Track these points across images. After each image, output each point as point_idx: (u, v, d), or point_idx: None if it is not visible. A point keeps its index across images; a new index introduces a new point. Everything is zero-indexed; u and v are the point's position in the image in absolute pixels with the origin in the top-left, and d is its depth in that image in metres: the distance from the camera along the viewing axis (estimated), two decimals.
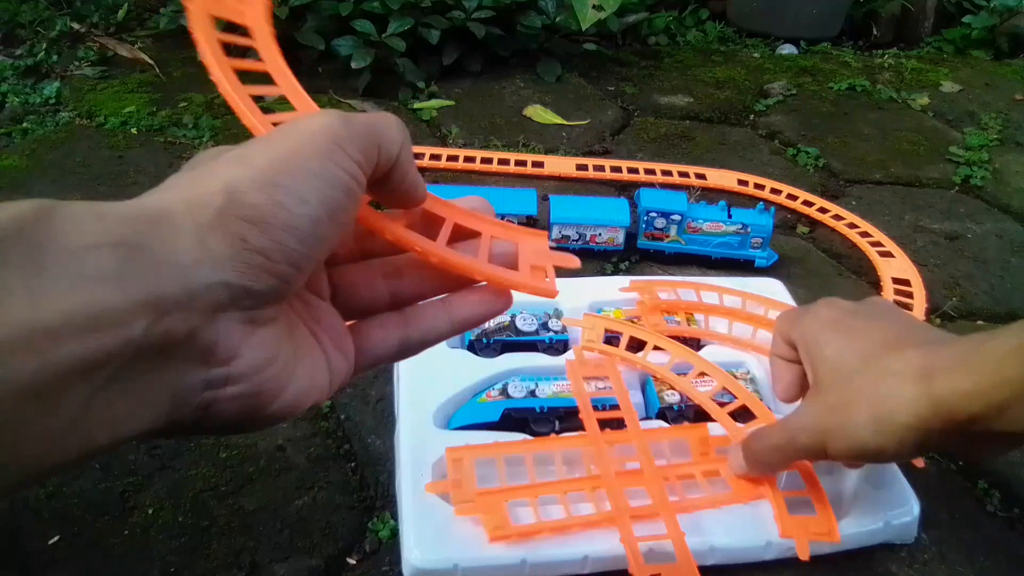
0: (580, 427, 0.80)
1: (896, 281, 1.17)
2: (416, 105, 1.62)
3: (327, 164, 0.27)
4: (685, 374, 0.87)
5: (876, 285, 1.18)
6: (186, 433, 0.27)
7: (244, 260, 0.25)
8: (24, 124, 1.50)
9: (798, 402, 0.70)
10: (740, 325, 0.95)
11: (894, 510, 0.75)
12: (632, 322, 0.95)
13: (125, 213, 0.24)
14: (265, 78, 0.36)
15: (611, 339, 0.94)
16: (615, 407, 0.82)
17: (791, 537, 0.71)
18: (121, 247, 0.22)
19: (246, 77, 0.36)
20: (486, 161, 1.42)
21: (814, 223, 1.34)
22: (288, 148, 0.27)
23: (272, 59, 0.37)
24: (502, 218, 0.35)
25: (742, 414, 0.84)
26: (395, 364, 0.90)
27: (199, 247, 0.24)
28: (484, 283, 0.34)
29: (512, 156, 1.44)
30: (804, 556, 0.69)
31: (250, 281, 0.25)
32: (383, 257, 0.34)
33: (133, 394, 0.23)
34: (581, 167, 1.42)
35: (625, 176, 1.42)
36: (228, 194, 0.25)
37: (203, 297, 0.24)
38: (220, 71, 0.35)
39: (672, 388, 0.85)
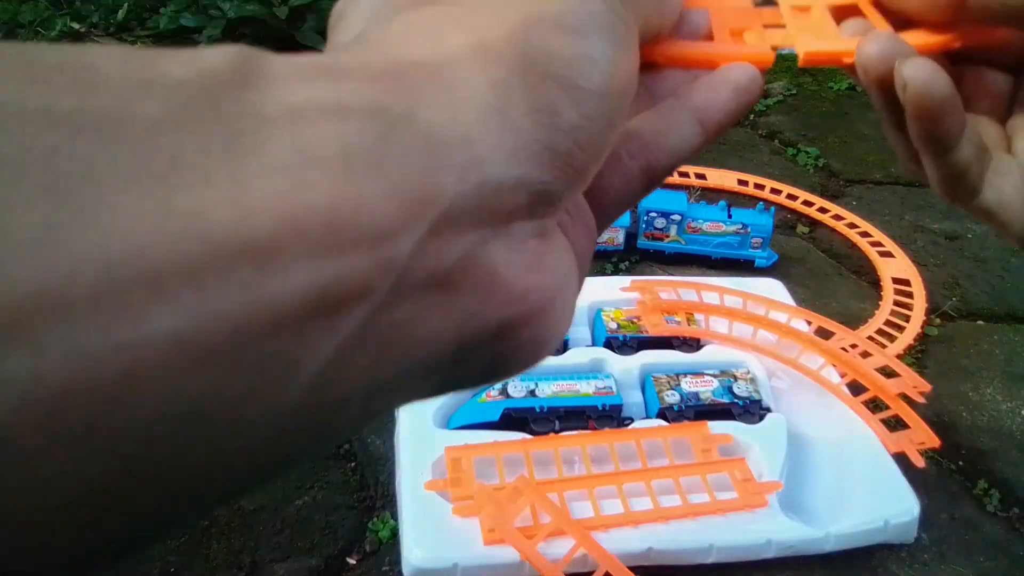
0: (580, 427, 0.80)
1: (896, 281, 1.17)
2: None
3: (615, 20, 0.18)
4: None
5: (876, 285, 1.18)
6: (451, 391, 0.18)
7: (552, 144, 0.16)
8: None
9: None
10: (740, 325, 0.95)
11: (894, 510, 0.75)
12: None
13: (377, 64, 0.15)
14: None
15: (610, 340, 0.94)
16: (616, 406, 0.82)
17: (901, 451, 0.75)
18: (377, 115, 0.14)
19: None
20: None
21: (814, 223, 1.34)
22: None
23: None
24: None
25: (745, 414, 0.84)
26: None
27: (495, 119, 0.15)
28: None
29: None
30: (920, 463, 0.74)
31: (553, 178, 0.16)
32: None
33: (392, 357, 0.15)
34: None
35: None
36: (528, 36, 0.16)
37: (496, 201, 0.15)
38: None
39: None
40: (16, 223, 0.10)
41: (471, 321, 0.16)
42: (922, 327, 1.08)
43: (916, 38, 0.24)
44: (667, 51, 0.24)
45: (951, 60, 0.25)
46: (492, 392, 0.83)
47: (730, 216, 1.18)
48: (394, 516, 0.77)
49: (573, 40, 0.17)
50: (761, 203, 1.26)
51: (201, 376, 0.11)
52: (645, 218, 1.18)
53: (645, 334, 0.94)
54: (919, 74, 0.21)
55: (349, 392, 0.14)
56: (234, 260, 0.12)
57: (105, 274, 0.11)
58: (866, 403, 0.85)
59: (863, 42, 0.23)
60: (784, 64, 1.99)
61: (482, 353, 0.17)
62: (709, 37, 0.25)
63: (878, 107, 0.24)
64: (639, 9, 0.20)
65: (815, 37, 0.24)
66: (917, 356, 1.05)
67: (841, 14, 0.25)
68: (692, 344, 0.95)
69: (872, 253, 1.24)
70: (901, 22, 0.24)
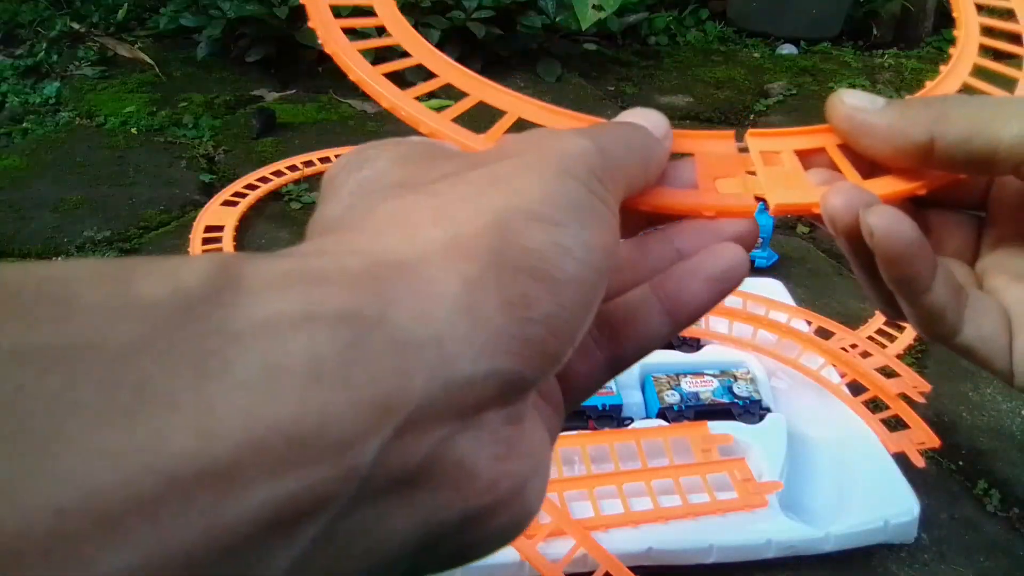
0: (580, 427, 0.80)
1: None
2: None
3: (595, 201, 0.19)
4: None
5: None
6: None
7: (523, 335, 0.16)
8: (24, 124, 1.50)
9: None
10: (740, 325, 0.95)
11: (894, 510, 0.75)
12: None
13: (348, 268, 0.15)
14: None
15: None
16: (616, 406, 0.82)
17: (901, 451, 0.76)
18: (348, 321, 0.14)
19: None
20: None
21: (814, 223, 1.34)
22: (547, 171, 0.19)
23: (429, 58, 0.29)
24: None
25: (745, 414, 0.84)
26: None
27: (465, 316, 0.16)
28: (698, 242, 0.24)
29: None
30: (920, 463, 0.75)
31: (525, 366, 0.16)
32: None
33: (353, 558, 0.14)
34: None
35: None
36: (502, 230, 0.17)
37: (466, 395, 0.15)
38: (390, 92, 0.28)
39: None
40: None
41: (436, 516, 0.16)
42: None
43: (883, 186, 0.24)
44: (652, 201, 0.24)
45: (917, 204, 0.25)
46: None
47: None
48: None
49: (547, 231, 0.17)
50: (761, 203, 1.26)
51: None
52: None
53: None
54: (883, 221, 0.22)
55: None
56: (192, 489, 0.12)
57: (58, 523, 0.11)
58: (866, 403, 0.85)
59: (827, 194, 0.23)
60: (784, 64, 1.99)
61: (447, 544, 0.16)
62: (695, 185, 0.25)
63: (848, 255, 0.25)
64: (620, 180, 0.21)
65: (785, 187, 0.25)
66: (917, 356, 1.05)
67: (809, 157, 0.26)
68: (692, 344, 0.95)
69: None
70: (868, 166, 0.25)
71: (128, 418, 0.12)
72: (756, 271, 1.18)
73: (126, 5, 1.95)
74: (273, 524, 0.12)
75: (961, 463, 0.89)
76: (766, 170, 0.25)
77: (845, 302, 1.15)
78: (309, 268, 0.15)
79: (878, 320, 1.08)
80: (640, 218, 0.24)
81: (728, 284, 0.23)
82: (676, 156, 0.25)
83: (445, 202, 0.17)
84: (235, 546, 0.12)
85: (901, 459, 0.78)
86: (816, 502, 0.77)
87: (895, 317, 0.26)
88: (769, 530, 0.71)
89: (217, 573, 0.12)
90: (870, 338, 1.01)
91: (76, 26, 1.87)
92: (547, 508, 0.69)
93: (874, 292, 0.26)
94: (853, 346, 0.94)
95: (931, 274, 0.23)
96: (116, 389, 0.12)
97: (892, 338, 1.05)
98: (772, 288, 1.04)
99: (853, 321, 1.08)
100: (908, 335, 1.05)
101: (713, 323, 0.97)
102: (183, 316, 0.13)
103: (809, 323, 0.98)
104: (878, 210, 0.22)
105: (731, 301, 0.98)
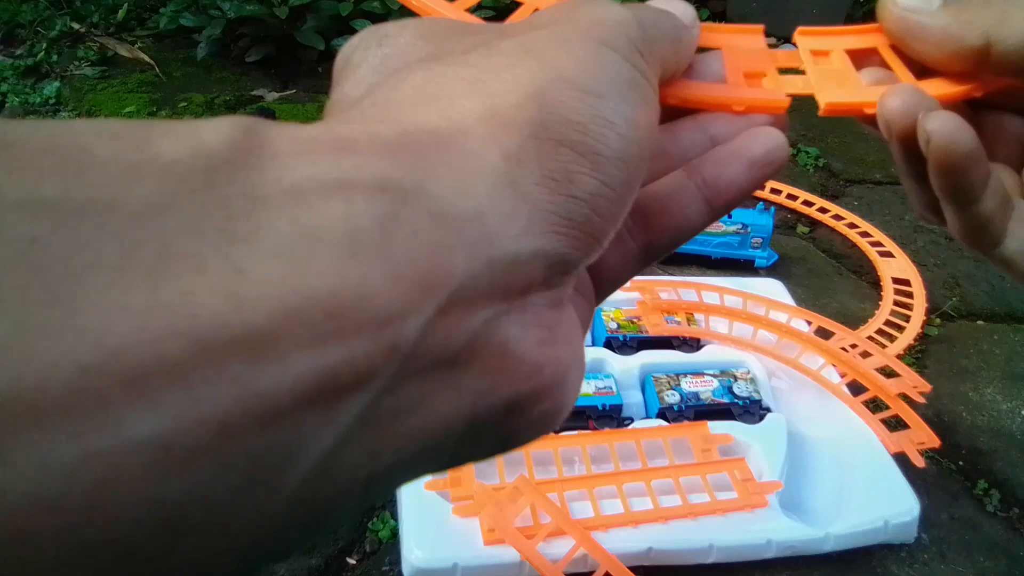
0: (580, 427, 0.80)
1: (896, 281, 1.17)
2: None
3: (635, 74, 0.18)
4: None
5: (876, 285, 1.18)
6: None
7: (567, 213, 0.15)
8: None
9: None
10: (740, 325, 0.95)
11: (894, 510, 0.75)
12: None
13: (380, 135, 0.14)
14: None
15: (610, 340, 0.94)
16: (616, 406, 0.82)
17: (901, 451, 0.76)
18: (385, 192, 0.13)
19: None
20: None
21: (814, 223, 1.34)
22: (584, 42, 0.17)
23: None
24: None
25: (745, 414, 0.84)
26: None
27: (508, 191, 0.15)
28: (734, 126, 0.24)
29: None
30: (920, 463, 0.75)
31: (569, 247, 0.16)
32: None
33: (398, 440, 0.14)
34: None
35: None
36: (542, 101, 0.16)
37: (511, 275, 0.15)
38: None
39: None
40: None
41: (482, 400, 0.15)
42: (922, 327, 1.08)
43: (937, 87, 0.23)
44: (680, 93, 0.23)
45: (971, 105, 0.25)
46: None
47: (730, 216, 1.18)
48: (394, 516, 0.77)
49: (590, 102, 0.16)
50: (761, 203, 1.26)
51: (185, 479, 0.11)
52: None
53: (645, 334, 0.94)
54: (943, 128, 0.21)
55: (348, 482, 0.13)
56: (224, 354, 0.11)
57: (79, 379, 0.10)
58: (866, 403, 0.85)
59: (885, 95, 0.22)
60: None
61: (491, 431, 0.16)
62: (723, 79, 0.24)
63: (898, 159, 0.24)
64: (656, 56, 0.20)
65: (836, 85, 0.24)
66: (917, 356, 1.05)
67: (860, 57, 0.25)
68: (692, 344, 0.95)
69: (872, 253, 1.24)
70: (921, 67, 0.24)
71: (152, 278, 0.11)
72: (756, 271, 1.18)
73: (126, 5, 1.94)
74: (313, 397, 0.12)
75: (961, 463, 0.89)
76: (816, 68, 0.24)
77: (845, 302, 1.15)
78: (338, 135, 0.14)
79: (878, 320, 1.08)
80: (665, 112, 0.23)
81: (769, 168, 0.22)
82: (702, 50, 0.24)
83: (479, 73, 0.16)
84: (273, 418, 0.11)
85: (901, 459, 0.78)
86: (816, 502, 0.77)
87: (935, 223, 0.25)
88: (769, 530, 0.71)
89: (256, 445, 0.11)
90: (870, 338, 1.01)
91: (76, 26, 1.87)
92: (547, 508, 0.69)
93: (918, 197, 0.25)
94: (853, 346, 0.94)
95: (983, 185, 0.22)
96: (137, 247, 0.11)
97: (892, 338, 1.05)
98: (772, 288, 1.04)
99: (853, 321, 1.08)
100: (908, 335, 1.05)
101: (713, 323, 0.97)
102: (206, 177, 0.12)
103: (809, 323, 0.98)
104: (938, 115, 0.21)
105: (731, 301, 0.98)
